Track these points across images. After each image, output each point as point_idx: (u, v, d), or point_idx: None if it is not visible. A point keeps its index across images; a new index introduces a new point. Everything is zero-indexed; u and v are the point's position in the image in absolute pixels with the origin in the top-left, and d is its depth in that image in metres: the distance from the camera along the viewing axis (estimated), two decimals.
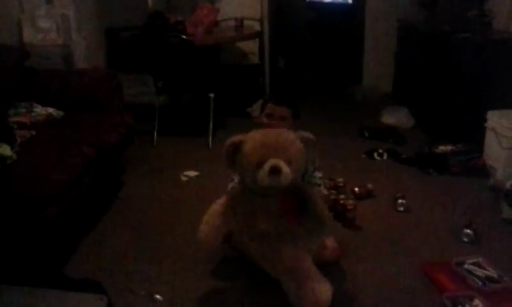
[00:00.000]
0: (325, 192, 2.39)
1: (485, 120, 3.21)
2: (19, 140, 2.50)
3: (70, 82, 3.20)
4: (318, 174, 2.33)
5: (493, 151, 3.15)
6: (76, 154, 2.45)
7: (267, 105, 2.36)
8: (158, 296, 2.04)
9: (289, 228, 1.89)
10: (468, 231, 2.45)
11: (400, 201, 2.82)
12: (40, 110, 2.96)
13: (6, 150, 2.25)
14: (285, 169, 1.78)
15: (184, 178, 3.29)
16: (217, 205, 2.01)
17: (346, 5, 6.21)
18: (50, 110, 2.98)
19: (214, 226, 1.98)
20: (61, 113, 3.01)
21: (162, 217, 2.77)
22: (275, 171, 1.77)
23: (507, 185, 2.75)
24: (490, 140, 3.19)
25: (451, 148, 3.37)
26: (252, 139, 1.86)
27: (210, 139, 3.90)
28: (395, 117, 4.38)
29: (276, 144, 1.82)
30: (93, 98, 3.12)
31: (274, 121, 2.27)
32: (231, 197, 2.01)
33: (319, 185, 2.32)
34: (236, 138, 1.88)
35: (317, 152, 2.01)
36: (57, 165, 2.29)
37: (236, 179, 2.26)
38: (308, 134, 1.93)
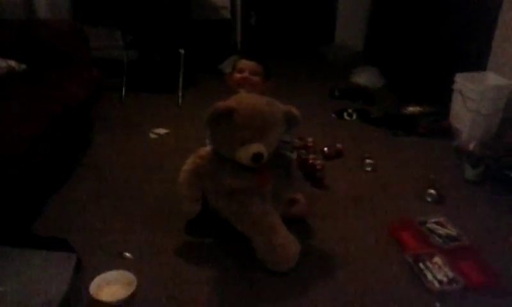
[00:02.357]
0: (293, 156, 2.34)
1: (453, 82, 3.26)
2: None
3: (32, 33, 3.05)
4: (287, 137, 2.27)
5: (459, 113, 3.22)
6: (41, 110, 2.37)
7: (238, 62, 2.34)
8: (127, 254, 2.05)
9: (256, 184, 1.91)
10: (432, 191, 2.52)
11: (368, 161, 2.87)
12: (0, 62, 2.83)
13: None
14: (266, 154, 1.81)
15: (152, 136, 3.25)
16: (185, 172, 2.01)
17: None
18: (12, 62, 2.85)
19: (192, 196, 2.01)
20: (23, 66, 2.88)
21: (131, 175, 2.74)
22: (258, 159, 1.79)
23: (470, 147, 2.83)
24: (457, 102, 3.25)
25: (419, 109, 3.43)
26: (241, 112, 1.80)
27: (180, 96, 3.84)
28: (365, 77, 4.40)
29: (263, 125, 1.81)
30: (58, 51, 3.00)
31: (246, 76, 2.26)
32: (199, 157, 2.01)
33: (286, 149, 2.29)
34: (226, 105, 1.82)
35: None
36: (22, 122, 2.22)
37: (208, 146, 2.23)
38: (295, 111, 1.93)
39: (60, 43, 3.03)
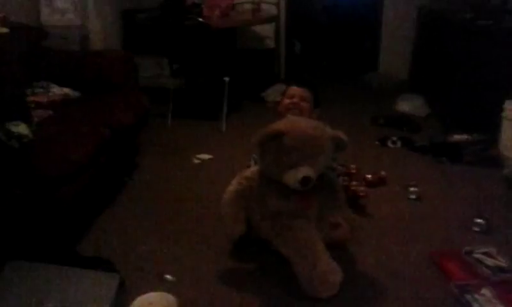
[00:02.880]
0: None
1: (502, 110, 3.17)
2: (36, 119, 2.55)
3: (86, 63, 3.24)
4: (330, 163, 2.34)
5: (509, 141, 3.11)
6: (92, 134, 2.49)
7: (288, 88, 2.41)
8: (169, 276, 2.08)
9: (301, 206, 1.91)
10: (480, 220, 2.43)
11: (412, 189, 2.81)
12: (56, 90, 3.00)
13: (23, 129, 2.29)
14: (314, 178, 1.83)
15: (196, 161, 3.32)
16: (230, 193, 2.05)
17: None
18: (67, 90, 3.03)
19: (236, 216, 2.05)
20: (77, 93, 3.05)
21: (175, 199, 2.80)
22: (306, 182, 1.81)
23: None
24: (507, 130, 3.15)
25: (466, 137, 3.33)
26: (291, 135, 1.83)
27: (224, 123, 3.92)
28: (410, 105, 4.34)
29: (312, 149, 1.84)
30: (109, 79, 3.15)
31: (296, 101, 2.32)
32: (244, 178, 2.04)
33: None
34: (276, 128, 1.86)
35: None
36: (73, 145, 2.33)
37: (252, 167, 2.27)
38: (342, 136, 1.95)
39: (111, 72, 3.18)
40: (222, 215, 2.10)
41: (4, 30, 2.98)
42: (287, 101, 2.36)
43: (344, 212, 2.25)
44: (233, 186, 2.07)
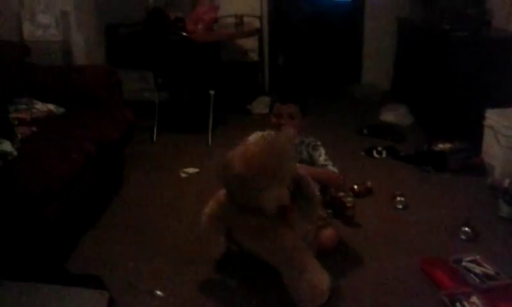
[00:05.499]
0: (335, 169, 2.39)
1: (484, 118, 3.23)
2: (20, 136, 2.51)
3: (70, 79, 3.21)
4: (323, 157, 2.40)
5: (492, 149, 3.16)
6: (77, 150, 2.46)
7: (274, 105, 2.42)
8: (158, 292, 2.05)
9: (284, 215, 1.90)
10: (466, 228, 2.46)
11: (398, 198, 2.83)
12: (40, 106, 2.96)
13: (7, 146, 2.26)
14: (287, 196, 1.81)
15: (183, 175, 3.30)
16: (206, 216, 2.08)
17: (346, 3, 6.21)
18: (51, 106, 2.99)
19: (214, 239, 2.09)
20: (61, 110, 3.01)
21: (162, 214, 2.78)
22: (282, 208, 1.80)
23: (505, 184, 2.77)
24: (488, 138, 3.20)
25: (450, 146, 3.38)
26: (246, 164, 1.79)
27: (210, 135, 3.91)
28: (394, 115, 4.40)
29: (274, 170, 1.79)
30: (93, 94, 3.12)
31: (283, 120, 2.34)
32: (217, 202, 2.06)
33: (326, 166, 2.38)
34: (230, 161, 1.82)
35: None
36: (58, 162, 2.30)
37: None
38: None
39: (95, 87, 3.15)
40: (201, 237, 2.10)
41: None
42: (275, 119, 2.39)
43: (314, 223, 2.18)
44: (208, 209, 2.08)
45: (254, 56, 5.10)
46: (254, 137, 1.93)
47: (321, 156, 2.40)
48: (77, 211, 2.43)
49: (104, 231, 2.59)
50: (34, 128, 2.69)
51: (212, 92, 3.87)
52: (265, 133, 1.93)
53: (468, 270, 2.14)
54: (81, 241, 2.48)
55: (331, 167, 2.39)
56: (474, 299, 1.94)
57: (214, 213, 2.05)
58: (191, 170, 3.35)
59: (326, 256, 2.14)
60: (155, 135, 3.96)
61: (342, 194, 2.78)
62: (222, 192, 2.06)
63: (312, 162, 2.40)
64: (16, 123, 2.67)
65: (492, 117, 3.17)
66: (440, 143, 3.43)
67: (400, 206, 2.81)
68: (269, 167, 1.80)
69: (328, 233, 2.28)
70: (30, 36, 3.76)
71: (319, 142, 2.46)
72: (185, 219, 2.67)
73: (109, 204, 2.87)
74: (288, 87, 2.58)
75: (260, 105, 4.66)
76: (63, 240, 2.39)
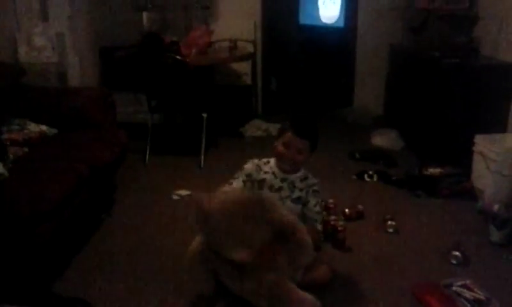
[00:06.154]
0: (319, 227, 2.31)
1: (473, 144, 3.27)
2: (12, 157, 2.51)
3: (63, 100, 3.22)
4: (317, 208, 2.29)
5: (481, 174, 3.20)
6: (69, 172, 2.46)
7: (285, 133, 2.20)
8: None
9: (268, 260, 1.86)
10: (457, 253, 2.47)
11: (389, 222, 2.85)
12: (33, 127, 2.97)
13: None
14: (249, 258, 1.80)
15: (175, 197, 3.30)
16: (192, 254, 2.03)
17: (338, 29, 6.32)
18: (44, 127, 2.99)
19: (202, 277, 2.04)
20: (54, 131, 3.02)
21: (153, 236, 2.77)
22: (240, 265, 1.80)
23: (495, 209, 2.79)
24: (478, 163, 3.24)
25: (440, 170, 3.42)
26: (219, 216, 1.81)
27: (203, 158, 3.92)
28: (385, 139, 4.44)
29: (242, 230, 1.80)
30: (87, 116, 3.14)
31: (290, 153, 2.19)
32: (201, 242, 2.01)
33: (315, 221, 2.27)
34: (205, 208, 1.82)
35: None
36: (50, 183, 2.29)
37: (234, 183, 2.25)
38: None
39: (89, 109, 3.17)
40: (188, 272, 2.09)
41: None
42: (281, 148, 2.20)
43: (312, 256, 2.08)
44: (194, 246, 2.02)
45: (247, 80, 5.15)
46: (234, 193, 1.97)
47: (317, 206, 2.27)
48: (67, 233, 2.42)
49: (94, 253, 2.57)
50: (26, 149, 2.70)
51: (205, 115, 3.90)
52: (245, 194, 1.96)
53: (459, 294, 2.14)
54: (71, 263, 2.46)
55: (318, 225, 2.29)
56: None
57: (198, 251, 2.00)
58: (183, 192, 3.35)
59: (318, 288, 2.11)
60: (147, 157, 3.97)
61: (333, 217, 2.79)
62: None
63: (303, 203, 2.26)
64: (8, 143, 2.67)
65: (481, 142, 3.21)
66: (430, 168, 3.47)
67: (391, 230, 2.82)
68: (237, 227, 1.80)
69: (321, 272, 2.21)
70: (25, 58, 3.79)
71: (318, 188, 2.31)
72: (177, 242, 2.65)
73: (100, 226, 2.86)
74: (305, 118, 2.34)
75: (253, 128, 4.69)
76: (53, 262, 2.37)
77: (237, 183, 2.24)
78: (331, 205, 3.02)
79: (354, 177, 3.68)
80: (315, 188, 2.28)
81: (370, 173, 3.68)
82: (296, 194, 2.25)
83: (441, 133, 3.70)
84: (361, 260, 2.52)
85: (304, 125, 2.24)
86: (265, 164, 2.30)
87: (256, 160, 2.32)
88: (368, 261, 2.51)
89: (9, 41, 3.78)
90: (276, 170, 2.26)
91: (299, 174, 2.28)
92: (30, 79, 3.42)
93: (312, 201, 2.26)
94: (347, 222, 2.83)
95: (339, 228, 2.66)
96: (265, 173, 2.27)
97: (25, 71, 3.38)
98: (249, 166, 2.28)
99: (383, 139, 4.45)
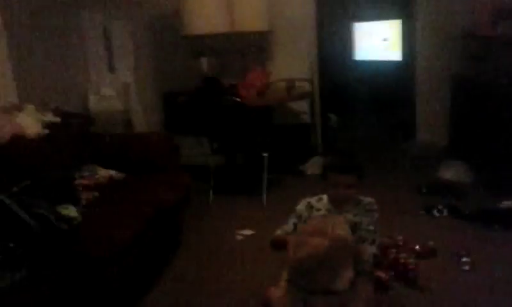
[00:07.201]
0: (370, 247, 2.19)
1: None
2: (84, 201, 2.63)
3: (130, 146, 3.37)
4: (370, 227, 2.20)
5: None
6: (136, 215, 2.53)
7: (329, 175, 2.22)
8: None
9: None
10: None
11: (464, 259, 2.69)
12: (102, 172, 3.11)
13: (72, 211, 2.37)
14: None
15: (239, 237, 3.30)
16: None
17: (397, 62, 6.25)
18: (112, 172, 3.13)
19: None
20: (122, 175, 3.14)
21: (219, 278, 2.76)
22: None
23: None
24: None
25: None
26: (296, 256, 1.89)
27: (265, 197, 3.92)
28: (452, 172, 4.24)
29: (345, 247, 1.88)
30: (152, 159, 3.25)
31: (340, 192, 2.18)
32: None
33: (365, 240, 2.17)
34: (320, 245, 1.87)
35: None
36: (118, 226, 2.37)
37: (285, 227, 2.26)
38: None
39: (154, 153, 3.29)
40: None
41: (57, 119, 3.17)
42: (331, 191, 2.22)
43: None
44: (278, 290, 2.08)
45: (306, 118, 5.15)
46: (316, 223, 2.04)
47: (370, 225, 2.19)
48: (135, 274, 2.47)
49: (162, 295, 2.60)
50: (96, 193, 2.81)
51: (265, 154, 3.92)
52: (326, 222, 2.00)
53: None
54: (139, 305, 2.49)
55: (369, 245, 2.17)
56: None
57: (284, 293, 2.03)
58: (247, 232, 3.35)
59: None
60: (211, 198, 4.02)
61: (403, 255, 2.67)
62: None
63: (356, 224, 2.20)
64: (80, 189, 2.80)
65: None
66: (505, 200, 3.27)
67: (466, 268, 2.66)
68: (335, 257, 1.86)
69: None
70: (95, 108, 4.01)
71: (375, 207, 2.25)
72: (241, 282, 2.63)
73: (167, 267, 2.90)
74: (342, 154, 2.37)
75: (314, 166, 4.65)
76: (121, 303, 2.41)
77: (288, 228, 2.25)
78: (401, 242, 2.90)
79: (423, 212, 3.53)
80: (367, 207, 2.23)
81: (440, 207, 3.51)
82: (352, 221, 2.16)
83: None
84: (436, 300, 2.38)
85: (344, 160, 2.25)
86: (317, 201, 2.28)
87: (308, 199, 2.30)
88: (443, 300, 2.37)
89: (80, 92, 4.03)
90: (330, 206, 2.23)
91: (353, 201, 2.23)
92: (99, 127, 3.60)
93: (365, 218, 2.19)
94: (418, 259, 2.70)
95: (410, 266, 2.55)
96: (318, 210, 2.24)
97: (94, 120, 3.57)
98: (300, 207, 2.29)
99: (450, 172, 4.25)
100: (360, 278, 1.97)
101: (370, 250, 2.15)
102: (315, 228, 1.97)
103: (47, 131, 3.05)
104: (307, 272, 1.88)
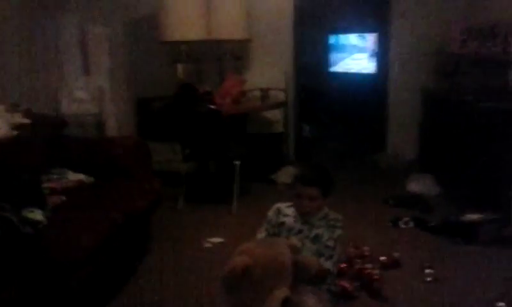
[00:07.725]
0: (325, 263, 2.20)
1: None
2: (50, 205, 2.59)
3: (100, 150, 3.33)
4: (329, 242, 2.22)
5: None
6: (104, 220, 2.51)
7: (295, 185, 2.28)
8: None
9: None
10: (501, 304, 2.36)
11: (428, 270, 2.76)
12: (70, 176, 3.07)
13: (38, 215, 2.34)
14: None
15: (207, 245, 3.30)
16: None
17: (371, 75, 6.36)
18: (81, 176, 3.09)
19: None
20: (91, 179, 3.11)
21: (185, 285, 2.76)
22: (287, 303, 1.79)
23: None
24: None
25: (479, 216, 3.30)
26: (259, 264, 1.82)
27: (235, 205, 3.93)
28: (420, 185, 4.34)
29: (281, 271, 1.83)
30: (123, 165, 3.21)
31: (303, 202, 2.23)
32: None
33: (320, 256, 2.19)
34: (243, 263, 1.81)
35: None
36: (85, 231, 2.34)
37: (258, 235, 2.28)
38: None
39: (125, 158, 3.25)
40: None
41: (27, 121, 3.12)
42: (295, 200, 2.28)
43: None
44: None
45: (279, 127, 5.20)
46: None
47: (330, 240, 2.22)
48: (101, 280, 2.44)
49: (127, 303, 2.57)
50: (63, 197, 2.78)
51: (237, 162, 3.93)
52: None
53: None
54: None
55: (324, 260, 2.18)
56: None
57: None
58: (216, 240, 3.35)
59: None
60: (181, 205, 4.01)
61: (369, 266, 2.72)
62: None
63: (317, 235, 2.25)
64: (48, 192, 2.76)
65: None
66: (468, 213, 3.36)
67: (429, 279, 2.72)
68: (276, 269, 1.83)
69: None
70: (67, 110, 3.97)
71: (339, 224, 2.28)
72: (209, 290, 2.63)
73: (133, 274, 2.88)
74: (312, 167, 2.45)
75: (285, 175, 4.69)
76: None
77: (260, 236, 2.29)
78: (367, 253, 2.96)
79: (389, 224, 3.60)
80: (331, 223, 2.26)
81: (406, 219, 3.59)
82: (314, 232, 2.23)
83: (479, 177, 3.60)
84: None
85: (310, 173, 2.32)
86: (287, 207, 2.33)
87: (278, 204, 2.37)
88: None
89: (53, 94, 3.98)
90: (297, 214, 2.29)
91: (320, 214, 2.27)
92: (69, 130, 3.56)
93: (325, 235, 2.23)
94: (383, 270, 2.75)
95: (375, 277, 2.59)
96: (285, 215, 2.30)
97: (66, 123, 3.52)
98: (270, 213, 2.35)
99: (418, 185, 4.35)
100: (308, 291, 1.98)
101: (326, 265, 2.17)
102: (251, 247, 1.92)
103: (15, 132, 3.00)
104: (230, 289, 1.86)
